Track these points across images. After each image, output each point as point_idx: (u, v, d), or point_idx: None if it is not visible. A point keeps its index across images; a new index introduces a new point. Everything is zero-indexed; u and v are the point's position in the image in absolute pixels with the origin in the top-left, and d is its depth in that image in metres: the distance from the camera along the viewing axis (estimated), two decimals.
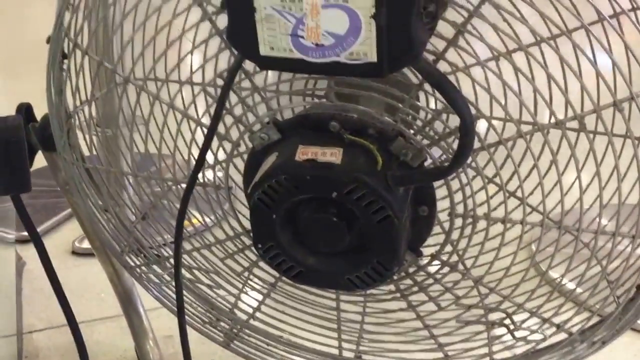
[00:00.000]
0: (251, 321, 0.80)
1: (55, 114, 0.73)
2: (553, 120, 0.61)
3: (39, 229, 1.23)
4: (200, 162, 0.64)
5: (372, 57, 0.55)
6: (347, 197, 0.60)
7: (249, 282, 0.75)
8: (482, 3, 0.57)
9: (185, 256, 0.74)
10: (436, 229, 0.67)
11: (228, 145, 0.67)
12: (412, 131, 0.63)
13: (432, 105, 0.71)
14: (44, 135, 0.73)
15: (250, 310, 0.78)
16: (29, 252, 1.10)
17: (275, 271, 0.67)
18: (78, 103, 0.72)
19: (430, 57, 0.59)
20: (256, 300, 0.77)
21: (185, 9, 0.63)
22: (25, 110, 0.72)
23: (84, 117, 0.74)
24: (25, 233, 1.06)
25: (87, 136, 0.76)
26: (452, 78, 0.60)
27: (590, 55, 0.61)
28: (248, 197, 0.64)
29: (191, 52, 0.68)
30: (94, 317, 1.03)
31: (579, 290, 0.67)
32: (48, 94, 0.72)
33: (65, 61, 0.71)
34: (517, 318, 0.69)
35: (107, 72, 0.68)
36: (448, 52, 0.59)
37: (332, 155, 0.61)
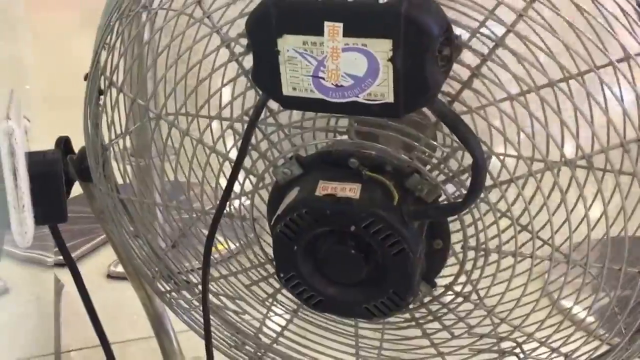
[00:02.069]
0: (275, 345, 0.79)
1: (91, 147, 0.73)
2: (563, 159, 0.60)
3: (76, 254, 1.24)
4: (227, 195, 0.64)
5: (389, 98, 0.55)
6: (364, 231, 0.60)
7: (273, 307, 0.75)
8: (495, 47, 0.57)
9: (212, 283, 0.74)
10: (451, 260, 0.67)
11: (254, 178, 0.67)
12: (427, 167, 0.62)
13: (448, 142, 0.71)
14: (80, 166, 0.73)
15: (274, 335, 0.78)
16: (68, 276, 1.10)
17: (297, 299, 0.67)
18: (113, 136, 0.73)
19: (446, 99, 0.59)
20: (279, 325, 0.77)
21: (214, 50, 0.64)
22: (63, 143, 0.73)
23: (119, 149, 0.74)
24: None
25: (121, 166, 0.76)
26: (468, 116, 0.60)
27: (602, 97, 0.60)
28: (271, 228, 0.64)
29: (219, 90, 0.68)
30: (127, 337, 1.03)
31: (589, 319, 0.66)
32: (85, 128, 0.73)
33: (102, 97, 0.72)
34: (527, 347, 0.68)
35: (140, 108, 0.68)
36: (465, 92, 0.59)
37: (350, 190, 0.61)
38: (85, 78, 0.72)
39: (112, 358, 0.73)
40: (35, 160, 0.59)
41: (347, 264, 0.62)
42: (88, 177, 0.75)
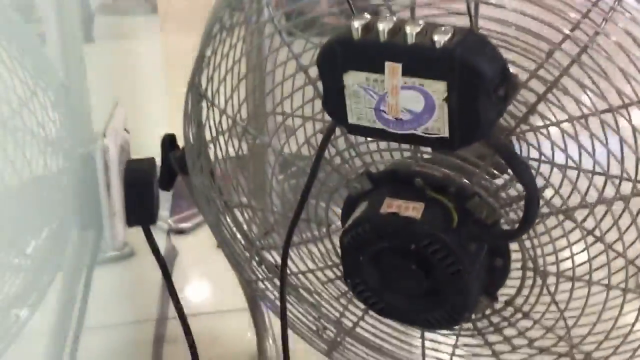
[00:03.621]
0: (355, 330, 0.87)
1: (190, 146, 0.83)
2: None
3: (192, 223, 1.37)
4: (302, 203, 0.72)
5: (445, 132, 0.60)
6: (424, 250, 0.66)
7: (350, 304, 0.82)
8: (550, 89, 0.61)
9: (292, 276, 0.83)
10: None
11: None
12: (487, 192, 0.67)
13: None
14: (182, 162, 0.83)
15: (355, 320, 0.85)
16: (182, 243, 1.22)
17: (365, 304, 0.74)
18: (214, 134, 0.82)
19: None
20: (356, 315, 0.84)
21: (293, 74, 0.71)
22: (169, 140, 0.83)
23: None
24: (181, 225, 1.20)
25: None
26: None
27: None
28: (340, 238, 0.71)
29: (312, 100, 0.74)
30: (229, 307, 1.14)
31: None
32: (184, 131, 0.82)
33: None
34: None
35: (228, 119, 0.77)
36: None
37: (413, 210, 0.67)
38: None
39: (187, 328, 0.82)
40: (133, 168, 0.69)
41: (408, 278, 0.69)
42: (187, 171, 0.85)
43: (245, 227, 0.87)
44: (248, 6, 0.71)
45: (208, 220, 0.90)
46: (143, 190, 0.70)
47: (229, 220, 0.87)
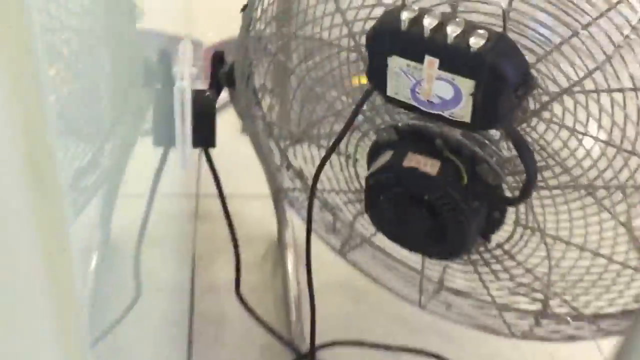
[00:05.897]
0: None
1: (240, 65, 1.03)
2: None
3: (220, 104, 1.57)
4: (338, 139, 0.94)
5: (467, 119, 0.80)
6: (435, 201, 0.89)
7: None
8: (562, 92, 0.81)
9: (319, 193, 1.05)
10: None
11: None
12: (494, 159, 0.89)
13: None
14: (229, 77, 1.04)
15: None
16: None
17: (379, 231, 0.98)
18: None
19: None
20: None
21: (345, 35, 0.90)
22: (218, 57, 1.03)
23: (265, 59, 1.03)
24: None
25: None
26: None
27: None
28: (366, 179, 0.93)
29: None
30: (253, 192, 1.35)
31: None
32: (237, 49, 1.02)
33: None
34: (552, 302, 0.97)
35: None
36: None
37: (431, 166, 0.89)
38: (243, 9, 1.00)
39: (227, 211, 1.05)
40: (197, 98, 0.90)
41: (418, 218, 0.91)
42: (233, 84, 1.05)
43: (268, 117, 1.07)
44: None
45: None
46: (207, 118, 0.91)
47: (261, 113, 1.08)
